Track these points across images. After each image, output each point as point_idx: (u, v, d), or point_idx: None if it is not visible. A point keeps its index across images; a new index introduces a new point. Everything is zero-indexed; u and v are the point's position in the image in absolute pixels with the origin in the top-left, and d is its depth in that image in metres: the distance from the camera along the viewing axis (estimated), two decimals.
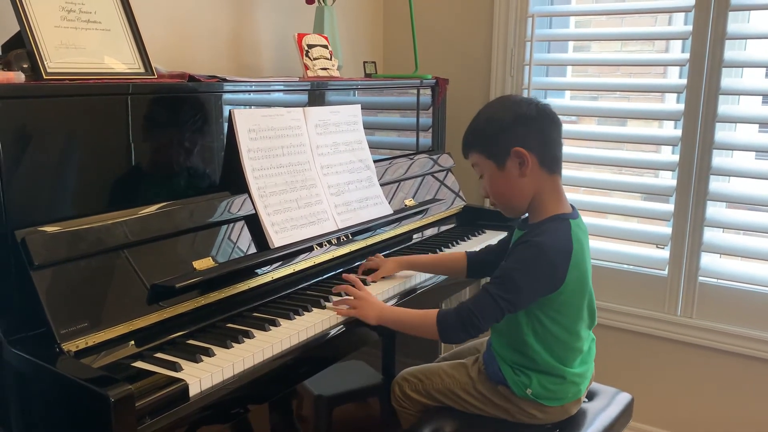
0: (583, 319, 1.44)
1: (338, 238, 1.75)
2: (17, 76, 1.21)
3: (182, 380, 1.13)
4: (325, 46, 2.05)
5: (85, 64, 1.35)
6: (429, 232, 2.15)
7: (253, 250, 1.54)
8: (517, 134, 1.38)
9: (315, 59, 2.00)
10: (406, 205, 2.08)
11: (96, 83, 1.33)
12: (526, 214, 1.47)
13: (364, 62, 2.36)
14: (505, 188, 1.42)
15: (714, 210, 2.18)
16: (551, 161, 1.40)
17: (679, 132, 2.17)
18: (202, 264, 1.41)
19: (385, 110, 2.26)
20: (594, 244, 2.40)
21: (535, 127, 1.39)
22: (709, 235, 2.19)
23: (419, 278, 1.77)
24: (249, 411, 1.66)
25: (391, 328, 1.50)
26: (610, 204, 2.41)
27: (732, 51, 2.09)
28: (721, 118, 2.10)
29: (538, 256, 1.35)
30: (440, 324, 1.41)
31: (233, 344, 1.29)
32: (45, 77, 1.26)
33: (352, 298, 1.52)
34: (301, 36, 1.99)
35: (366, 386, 2.29)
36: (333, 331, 1.45)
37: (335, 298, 1.54)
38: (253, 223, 1.56)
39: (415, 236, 2.09)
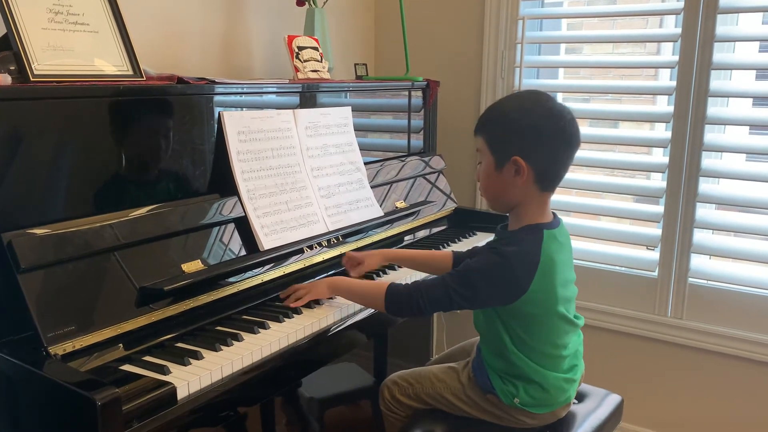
0: (556, 328, 1.41)
1: (329, 240, 1.75)
2: (4, 79, 1.20)
3: (170, 383, 1.12)
4: (316, 48, 2.05)
5: (72, 66, 1.34)
6: (420, 234, 2.15)
7: (242, 252, 1.54)
8: (525, 144, 1.33)
9: (305, 61, 2.00)
10: (397, 207, 2.08)
11: (83, 85, 1.32)
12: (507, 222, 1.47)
13: (355, 64, 2.36)
14: (494, 187, 1.40)
15: (703, 211, 2.19)
16: (549, 180, 1.37)
17: (669, 134, 2.18)
18: (191, 267, 1.40)
19: (376, 112, 2.26)
20: (585, 245, 2.41)
21: (546, 143, 1.33)
22: (699, 236, 2.20)
23: None
24: (238, 414, 1.67)
25: (344, 297, 1.53)
26: (600, 206, 2.42)
27: (721, 53, 2.10)
28: (710, 120, 2.11)
29: (500, 264, 1.34)
30: (388, 295, 1.42)
31: (222, 347, 1.29)
32: (32, 79, 1.26)
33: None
34: (291, 38, 1.99)
35: (358, 388, 2.29)
36: (323, 334, 1.44)
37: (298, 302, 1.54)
38: (243, 225, 1.56)
39: (406, 238, 2.09)
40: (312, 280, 1.67)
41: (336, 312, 1.51)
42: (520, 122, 1.34)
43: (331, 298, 1.56)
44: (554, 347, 1.42)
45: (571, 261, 1.47)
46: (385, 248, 1.93)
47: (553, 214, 1.44)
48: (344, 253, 1.77)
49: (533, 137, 1.33)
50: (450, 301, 1.37)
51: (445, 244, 2.06)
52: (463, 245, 2.08)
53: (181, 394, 1.13)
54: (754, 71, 2.18)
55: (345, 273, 1.73)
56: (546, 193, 1.40)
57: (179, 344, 1.30)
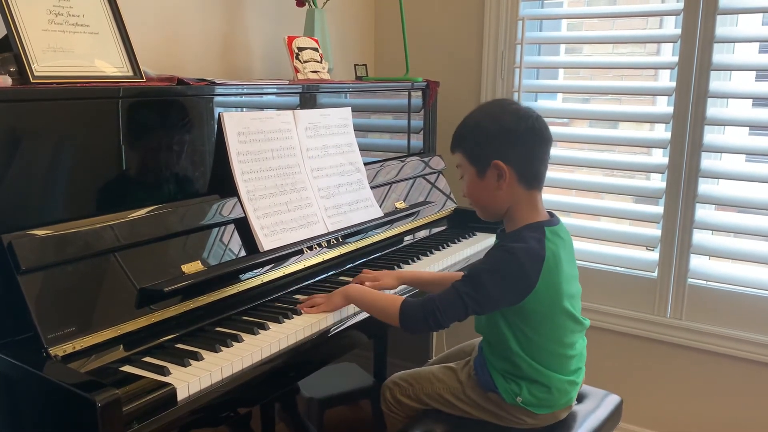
0: (562, 325, 1.42)
1: (329, 241, 1.75)
2: (4, 80, 1.20)
3: (170, 384, 1.12)
4: (315, 49, 2.05)
5: (72, 68, 1.34)
6: (420, 235, 2.16)
7: (242, 253, 1.54)
8: (500, 148, 1.38)
9: (305, 62, 2.00)
10: (397, 208, 2.08)
11: (83, 87, 1.32)
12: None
13: (355, 65, 2.36)
14: (482, 195, 1.43)
15: (703, 212, 2.19)
16: (531, 178, 1.41)
17: (668, 135, 2.19)
18: (191, 268, 1.40)
19: (376, 113, 2.26)
20: (584, 246, 2.41)
21: (519, 143, 1.39)
22: (698, 237, 2.20)
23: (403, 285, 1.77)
24: (239, 415, 1.67)
25: (358, 306, 1.53)
26: (600, 206, 2.42)
27: (720, 54, 2.10)
28: (710, 121, 2.11)
29: (508, 259, 1.35)
30: (403, 312, 1.42)
31: (222, 348, 1.29)
32: (32, 81, 1.26)
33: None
34: (291, 39, 1.99)
35: (358, 389, 2.29)
36: (323, 335, 1.44)
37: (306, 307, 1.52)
38: (243, 226, 1.56)
39: (406, 238, 2.09)
40: (312, 280, 1.69)
41: (336, 313, 1.51)
42: (492, 128, 1.40)
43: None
44: (561, 346, 1.43)
45: (574, 258, 1.48)
46: (385, 249, 1.95)
47: (551, 213, 1.45)
48: (345, 252, 1.78)
49: (507, 139, 1.38)
50: (465, 306, 1.37)
51: (445, 245, 2.06)
52: (463, 246, 2.08)
53: (181, 395, 1.13)
54: (754, 72, 2.18)
55: (345, 273, 1.73)
56: (533, 191, 1.42)
57: (179, 345, 1.30)
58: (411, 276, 1.74)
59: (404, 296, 1.46)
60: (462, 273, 1.68)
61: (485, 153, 1.39)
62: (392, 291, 1.67)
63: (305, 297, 1.57)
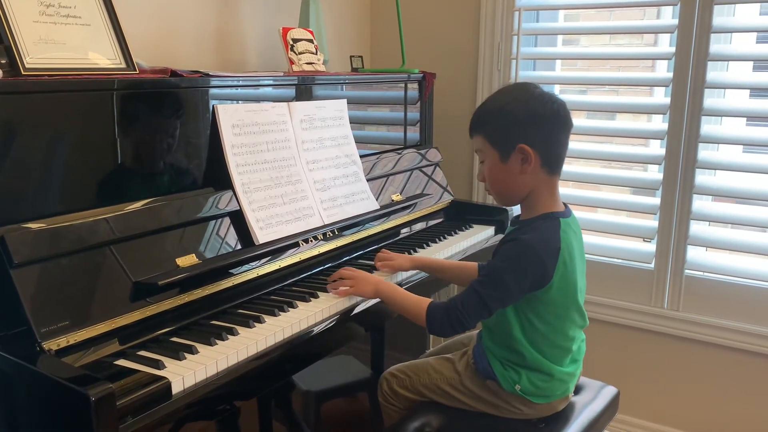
0: (571, 319, 1.43)
1: (325, 234, 1.74)
2: None
3: (165, 378, 1.12)
4: (311, 41, 2.04)
5: (64, 60, 1.33)
6: (417, 227, 2.15)
7: (238, 246, 1.53)
8: (528, 132, 1.37)
9: (300, 53, 1.99)
10: (393, 200, 2.07)
11: (76, 79, 1.31)
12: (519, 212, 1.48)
13: (351, 56, 2.35)
14: (503, 180, 1.42)
15: (700, 203, 2.19)
16: (554, 162, 1.40)
17: (665, 126, 2.18)
18: (185, 261, 1.40)
19: (372, 105, 2.25)
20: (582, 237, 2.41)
21: (546, 127, 1.38)
22: (695, 228, 2.20)
23: (405, 273, 1.77)
24: (234, 408, 1.67)
25: (385, 302, 1.54)
26: (597, 197, 2.42)
27: (717, 44, 2.09)
28: (707, 112, 2.10)
29: (524, 252, 1.35)
30: (429, 317, 1.42)
31: (217, 341, 1.28)
32: (24, 73, 1.25)
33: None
34: (286, 30, 1.98)
35: (355, 381, 2.29)
36: (318, 328, 1.44)
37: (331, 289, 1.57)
38: (238, 219, 1.55)
39: (403, 231, 2.08)
40: (308, 273, 1.68)
41: (332, 306, 1.51)
42: (519, 112, 1.38)
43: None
44: (564, 338, 1.43)
45: (583, 253, 1.48)
46: (382, 242, 1.94)
47: (564, 204, 1.45)
48: (341, 245, 1.78)
49: (533, 123, 1.37)
50: (487, 307, 1.37)
51: (441, 237, 2.05)
52: (460, 238, 2.07)
53: (176, 388, 1.13)
54: (751, 62, 2.17)
55: (341, 266, 1.73)
56: (554, 176, 1.42)
57: (174, 339, 1.30)
58: (425, 261, 1.77)
59: (430, 299, 1.46)
60: (476, 264, 1.69)
61: (511, 137, 1.38)
62: (405, 274, 1.76)
63: (302, 290, 1.57)
